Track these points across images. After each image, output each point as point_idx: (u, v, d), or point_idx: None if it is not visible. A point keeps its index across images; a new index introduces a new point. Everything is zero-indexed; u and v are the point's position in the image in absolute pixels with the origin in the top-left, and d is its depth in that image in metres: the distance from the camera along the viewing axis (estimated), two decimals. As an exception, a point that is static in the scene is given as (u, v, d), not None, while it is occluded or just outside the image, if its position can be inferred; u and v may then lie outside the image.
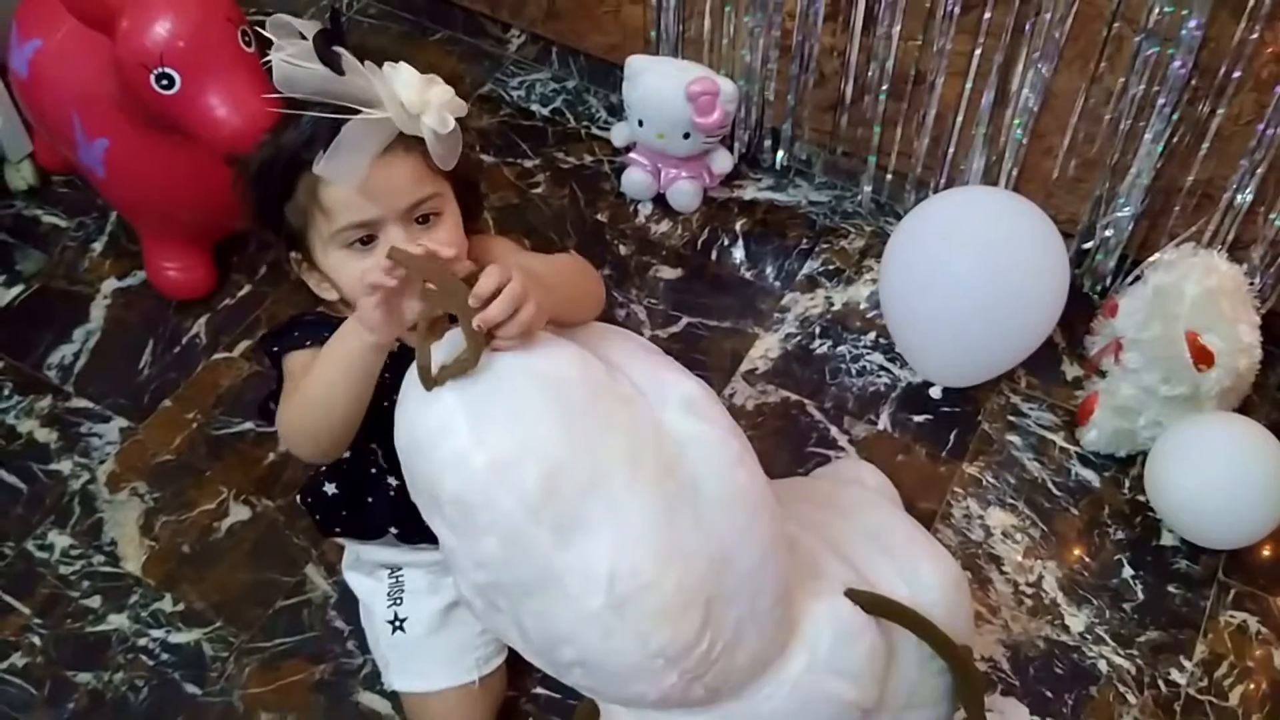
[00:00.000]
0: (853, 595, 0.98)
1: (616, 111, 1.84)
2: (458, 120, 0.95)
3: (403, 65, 0.94)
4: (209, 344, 1.56)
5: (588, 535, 0.83)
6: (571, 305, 0.97)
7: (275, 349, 1.06)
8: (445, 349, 0.87)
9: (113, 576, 1.34)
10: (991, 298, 1.39)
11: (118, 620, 1.30)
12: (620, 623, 0.84)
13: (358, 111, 0.91)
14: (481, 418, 0.84)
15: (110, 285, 1.62)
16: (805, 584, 0.98)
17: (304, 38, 0.91)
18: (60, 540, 1.37)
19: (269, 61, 0.91)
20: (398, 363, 1.01)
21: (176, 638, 1.29)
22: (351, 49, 0.93)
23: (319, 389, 0.97)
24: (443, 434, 0.84)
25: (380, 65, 0.94)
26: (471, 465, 0.83)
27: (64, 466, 1.43)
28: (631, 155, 1.72)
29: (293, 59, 0.90)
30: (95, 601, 1.32)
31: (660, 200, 1.73)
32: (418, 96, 0.93)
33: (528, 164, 1.79)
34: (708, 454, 0.89)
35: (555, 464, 0.83)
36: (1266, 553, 1.37)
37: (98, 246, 1.66)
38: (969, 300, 1.39)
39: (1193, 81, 1.35)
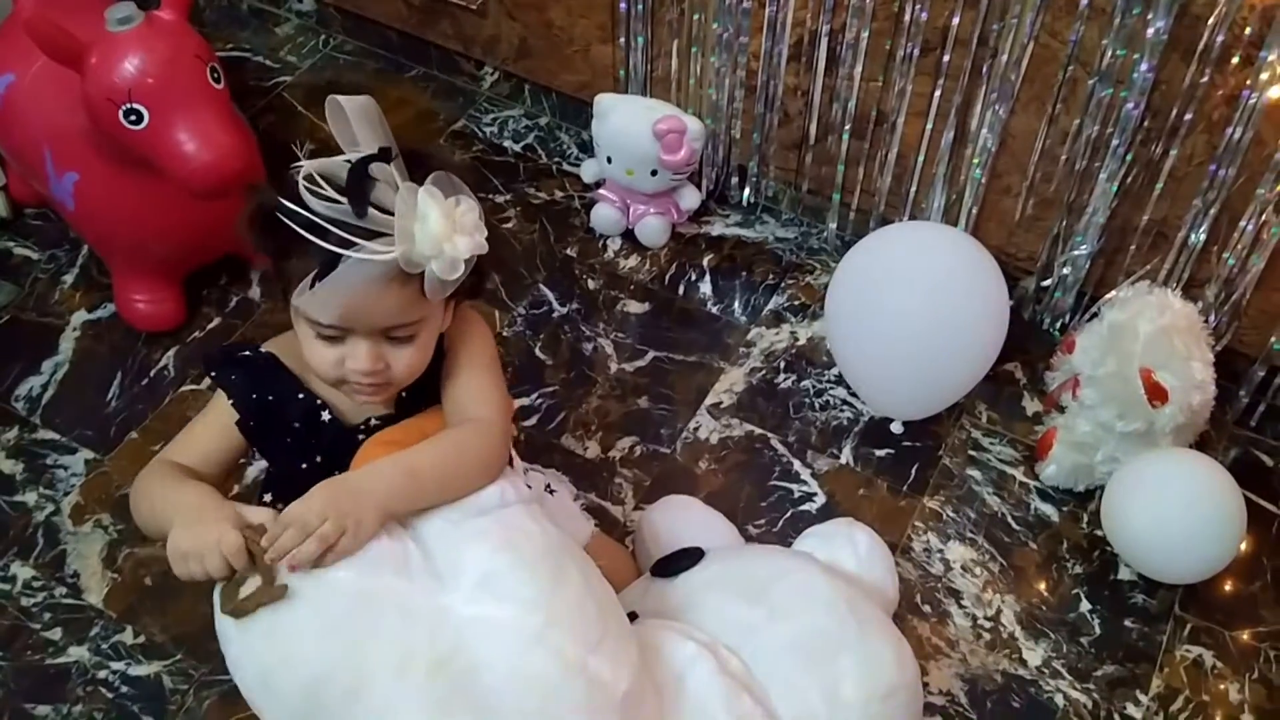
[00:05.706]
0: None
1: (587, 148, 1.86)
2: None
3: (435, 205, 0.89)
4: (177, 376, 1.56)
5: None
6: (443, 492, 0.96)
7: (212, 375, 1.07)
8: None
9: (74, 608, 1.34)
10: (931, 330, 1.40)
11: (78, 652, 1.30)
12: None
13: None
14: (248, 629, 0.89)
15: (80, 317, 1.63)
16: None
17: (352, 134, 0.92)
18: (23, 572, 1.37)
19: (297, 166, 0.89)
20: (323, 431, 1.04)
21: (136, 670, 1.29)
22: (324, 88, 0.92)
23: (158, 522, 0.99)
24: (224, 640, 0.91)
25: (421, 179, 0.91)
26: (245, 673, 0.90)
27: (29, 498, 1.43)
28: (601, 191, 1.74)
29: (316, 185, 0.88)
30: (56, 634, 1.32)
31: (629, 236, 1.75)
32: (433, 247, 0.90)
33: (499, 199, 1.80)
34: (492, 639, 0.90)
35: (314, 675, 0.87)
36: (1222, 588, 1.39)
37: (69, 278, 1.67)
38: (909, 335, 1.41)
39: (1145, 123, 1.38)
